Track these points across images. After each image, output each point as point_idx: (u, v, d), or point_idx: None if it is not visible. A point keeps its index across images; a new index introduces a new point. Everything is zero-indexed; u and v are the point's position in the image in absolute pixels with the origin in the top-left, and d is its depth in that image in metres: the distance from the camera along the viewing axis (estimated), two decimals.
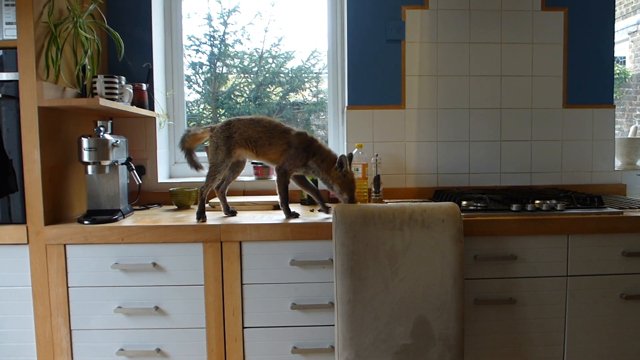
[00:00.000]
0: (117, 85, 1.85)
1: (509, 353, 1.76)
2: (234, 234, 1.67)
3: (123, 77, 1.96)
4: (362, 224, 1.58)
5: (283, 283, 1.70)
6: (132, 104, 2.04)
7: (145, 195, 2.22)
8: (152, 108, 2.23)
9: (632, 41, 6.48)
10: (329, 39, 2.43)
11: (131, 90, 2.02)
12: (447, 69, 2.29)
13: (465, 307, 1.71)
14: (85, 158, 1.73)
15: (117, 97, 1.86)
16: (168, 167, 2.42)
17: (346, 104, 2.31)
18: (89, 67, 1.90)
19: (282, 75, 2.82)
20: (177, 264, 1.68)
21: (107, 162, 1.76)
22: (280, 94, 2.85)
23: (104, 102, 1.71)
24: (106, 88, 1.82)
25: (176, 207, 2.11)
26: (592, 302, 1.76)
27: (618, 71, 5.63)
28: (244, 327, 1.70)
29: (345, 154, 1.78)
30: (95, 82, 1.83)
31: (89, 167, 1.75)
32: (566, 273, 1.75)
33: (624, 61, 6.53)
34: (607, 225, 1.73)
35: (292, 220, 1.72)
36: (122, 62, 2.15)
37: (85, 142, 1.72)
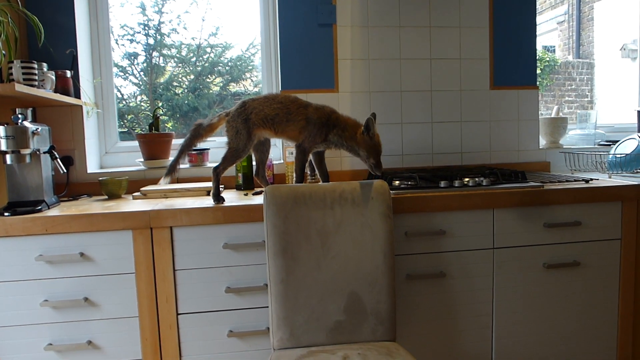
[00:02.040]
0: (36, 71, 1.77)
1: (440, 325, 1.83)
2: (165, 220, 1.64)
3: (44, 64, 1.88)
4: (293, 204, 1.59)
5: (217, 267, 1.69)
6: (55, 92, 1.96)
7: (74, 187, 2.15)
8: (78, 96, 2.14)
9: (560, 30, 6.79)
10: (262, 24, 2.42)
11: (53, 77, 1.94)
12: (379, 52, 2.33)
13: (396, 282, 1.76)
14: (3, 147, 1.65)
15: (36, 83, 1.78)
16: (99, 157, 2.34)
17: (280, 88, 2.31)
18: (3, 52, 1.80)
19: (221, 65, 2.78)
20: (106, 253, 1.63)
21: (27, 151, 1.69)
22: (221, 84, 2.82)
23: (20, 88, 1.63)
24: (24, 74, 1.74)
25: (107, 197, 2.04)
26: (517, 272, 1.85)
27: (548, 59, 5.90)
28: (178, 314, 1.68)
29: (371, 116, 1.72)
30: (11, 68, 1.74)
31: (7, 157, 1.67)
32: (492, 246, 1.82)
33: (554, 50, 6.84)
34: (529, 198, 1.81)
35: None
36: (44, 48, 2.06)
37: (1, 129, 1.64)
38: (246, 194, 1.99)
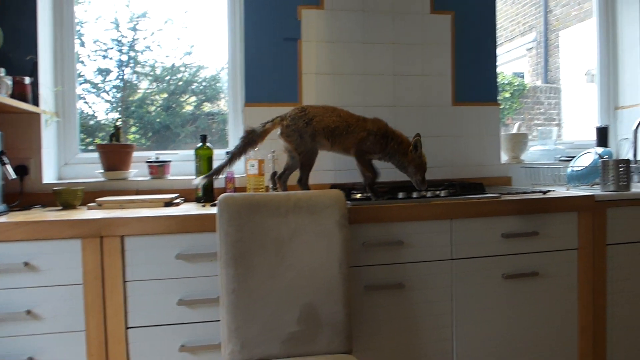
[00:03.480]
0: None
1: (400, 338, 1.80)
2: (116, 229, 1.59)
3: (2, 69, 1.84)
4: (247, 212, 1.56)
5: (169, 278, 1.64)
6: (12, 97, 1.91)
7: (28, 197, 2.08)
8: (36, 103, 2.10)
9: (529, 57, 6.98)
10: (229, 37, 2.42)
11: (10, 83, 1.89)
12: (343, 67, 2.35)
13: (355, 294, 1.73)
14: None
15: None
16: (57, 168, 2.28)
17: (244, 101, 2.30)
18: None
19: (195, 84, 2.77)
20: (52, 263, 1.57)
21: None
22: (195, 103, 2.80)
23: None
24: None
25: (61, 207, 1.99)
26: (476, 283, 1.84)
27: (517, 84, 6.03)
28: (127, 328, 1.62)
29: (419, 137, 1.83)
30: None
31: None
32: (451, 256, 1.81)
33: (523, 75, 7.02)
34: (487, 208, 1.82)
35: (173, 212, 1.67)
36: (2, 53, 2.02)
37: None
38: (204, 205, 1.96)
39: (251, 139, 1.81)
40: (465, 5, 2.47)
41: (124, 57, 2.61)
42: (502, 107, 5.50)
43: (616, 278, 1.99)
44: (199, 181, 1.82)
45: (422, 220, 1.78)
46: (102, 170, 2.20)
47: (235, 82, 2.43)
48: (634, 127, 2.66)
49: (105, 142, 2.31)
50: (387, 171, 2.36)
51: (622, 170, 2.03)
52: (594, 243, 1.94)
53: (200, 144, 2.10)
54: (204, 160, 2.10)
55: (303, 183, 1.81)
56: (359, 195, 1.89)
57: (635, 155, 2.65)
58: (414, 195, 1.84)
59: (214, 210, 1.76)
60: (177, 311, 1.65)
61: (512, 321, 1.88)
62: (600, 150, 2.25)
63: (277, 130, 1.84)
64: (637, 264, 2.01)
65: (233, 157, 1.80)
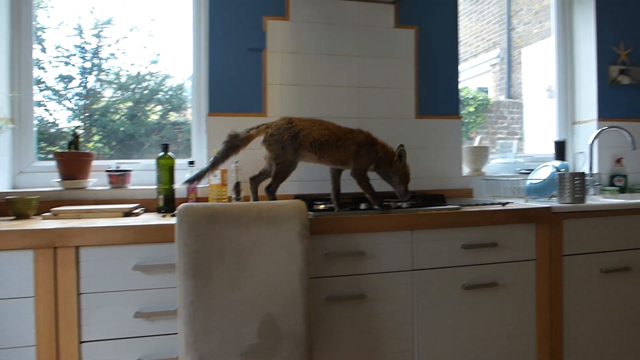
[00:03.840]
0: None
1: (361, 349, 1.79)
2: (71, 239, 1.54)
3: None
4: (207, 223, 1.53)
5: (126, 290, 1.60)
6: None
7: None
8: None
9: (493, 72, 7.17)
10: (193, 46, 2.40)
11: None
12: (308, 78, 2.36)
13: (316, 305, 1.72)
14: None
15: None
16: (11, 176, 2.21)
17: (207, 111, 2.28)
18: None
19: (161, 93, 2.73)
20: (2, 275, 1.50)
21: None
22: (160, 112, 2.76)
23: None
24: None
25: (14, 217, 1.92)
26: (436, 294, 1.85)
27: (481, 98, 6.18)
28: (81, 342, 1.56)
29: (403, 147, 1.83)
30: None
31: None
32: (412, 267, 1.83)
33: (487, 90, 7.19)
34: (447, 220, 1.84)
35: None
36: None
37: None
38: (164, 216, 1.92)
39: (234, 144, 1.77)
40: (429, 21, 2.52)
41: (88, 64, 2.56)
42: (466, 121, 5.63)
43: (572, 288, 2.04)
44: (179, 186, 1.80)
45: (384, 231, 1.79)
46: (60, 179, 2.14)
47: (199, 91, 2.41)
48: (590, 141, 2.75)
49: (63, 150, 2.25)
50: (350, 183, 2.38)
51: (577, 182, 2.09)
52: (551, 254, 1.99)
53: (161, 153, 2.07)
54: (165, 170, 2.06)
55: (271, 192, 1.78)
56: (322, 206, 1.89)
57: (590, 168, 2.74)
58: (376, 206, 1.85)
59: (174, 220, 1.73)
60: (133, 324, 1.60)
61: (471, 331, 1.90)
62: (557, 163, 2.31)
63: (260, 138, 1.81)
64: (591, 274, 2.07)
65: (216, 162, 1.76)
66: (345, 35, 2.40)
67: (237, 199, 2.09)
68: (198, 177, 1.76)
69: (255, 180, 1.88)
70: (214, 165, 1.77)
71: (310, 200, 1.93)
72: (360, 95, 2.42)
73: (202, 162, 2.35)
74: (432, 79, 2.52)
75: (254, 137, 1.80)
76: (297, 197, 2.15)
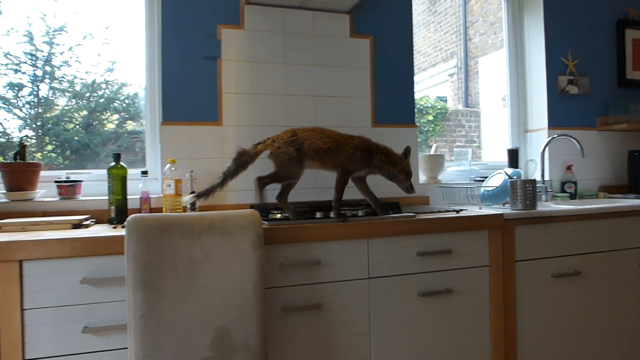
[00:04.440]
0: None
1: (318, 359, 1.78)
2: (13, 253, 1.48)
3: None
4: (158, 234, 1.50)
5: (73, 305, 1.54)
6: None
7: None
8: None
9: (451, 82, 7.33)
10: (146, 53, 2.36)
11: None
12: (264, 87, 2.35)
13: (272, 316, 1.70)
14: None
15: None
16: None
17: (161, 119, 2.24)
18: None
19: (117, 102, 2.66)
20: None
21: None
22: (117, 121, 2.68)
23: None
24: None
25: None
26: (393, 302, 1.86)
27: (440, 107, 6.30)
28: None
29: (409, 147, 1.98)
30: None
31: None
32: (368, 275, 1.83)
33: (446, 99, 7.35)
34: (402, 227, 1.86)
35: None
36: None
37: None
38: (115, 227, 1.87)
39: (244, 161, 1.81)
40: (384, 30, 2.56)
41: (39, 72, 2.48)
42: (425, 129, 5.72)
43: (525, 293, 2.08)
44: (188, 199, 1.81)
45: (340, 239, 1.79)
46: (5, 191, 2.05)
47: (153, 99, 2.36)
48: (541, 149, 2.84)
49: (8, 160, 2.16)
50: (306, 191, 2.38)
51: (528, 189, 2.15)
52: (504, 260, 2.03)
53: (113, 163, 2.01)
54: (117, 180, 2.01)
55: (263, 182, 1.83)
56: (278, 215, 1.88)
57: (542, 175, 2.83)
58: (332, 214, 1.85)
59: (124, 231, 1.68)
60: (82, 340, 1.54)
61: (427, 338, 1.92)
62: (509, 171, 2.37)
63: (267, 152, 1.85)
64: (543, 279, 2.12)
65: (225, 178, 1.79)
66: (301, 44, 2.41)
67: (192, 210, 2.05)
68: (208, 192, 1.78)
69: (262, 181, 1.86)
70: (223, 181, 1.79)
71: (266, 209, 1.92)
72: (317, 104, 2.42)
73: (156, 172, 2.30)
74: (388, 88, 2.55)
75: (261, 152, 1.84)
76: (253, 206, 2.14)
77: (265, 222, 1.75)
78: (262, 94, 2.34)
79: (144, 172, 2.08)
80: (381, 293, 1.85)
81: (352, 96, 2.48)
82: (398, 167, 1.94)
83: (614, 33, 3.16)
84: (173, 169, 2.05)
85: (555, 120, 2.96)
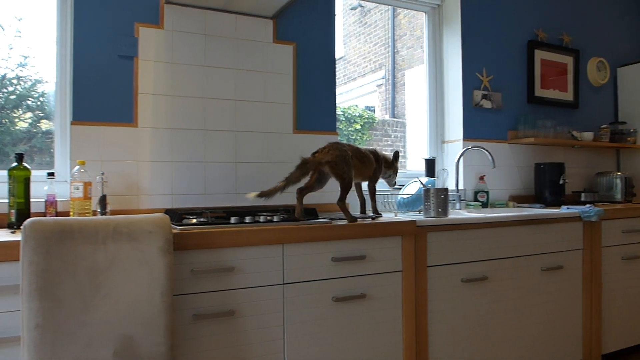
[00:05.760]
0: None
1: None
2: None
3: None
4: (58, 239, 1.42)
5: None
6: None
7: None
8: None
9: (379, 92, 7.52)
10: (58, 48, 2.23)
11: None
12: (183, 90, 2.29)
13: (182, 324, 1.66)
14: None
15: None
16: None
17: (71, 119, 2.13)
18: None
19: (31, 99, 2.49)
20: None
21: None
22: (30, 120, 2.51)
23: None
24: None
25: None
26: (307, 307, 1.87)
27: (367, 117, 6.45)
28: None
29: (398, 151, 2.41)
30: None
31: None
32: (282, 281, 1.83)
33: (374, 109, 7.52)
34: (318, 233, 1.87)
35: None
36: None
37: None
38: (14, 232, 1.75)
39: (307, 170, 2.01)
40: (307, 38, 2.58)
41: None
42: (353, 137, 5.82)
43: (436, 297, 2.16)
44: (254, 198, 1.93)
45: (254, 245, 1.77)
46: None
47: (64, 97, 2.24)
48: (456, 159, 2.97)
49: None
50: (228, 196, 2.35)
51: (441, 197, 2.24)
52: (416, 265, 2.10)
53: (14, 164, 1.89)
54: (19, 182, 1.88)
55: (341, 201, 2.06)
56: (194, 220, 1.84)
57: (457, 184, 2.95)
58: (247, 220, 1.84)
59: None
60: None
61: (341, 343, 1.94)
62: (425, 179, 2.46)
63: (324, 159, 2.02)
64: (453, 284, 2.21)
65: (288, 182, 1.97)
66: (223, 47, 2.38)
67: (103, 214, 1.96)
68: (269, 193, 1.95)
69: (302, 192, 2.04)
70: (286, 185, 1.97)
71: (180, 214, 1.87)
72: (238, 108, 2.40)
73: (64, 174, 2.18)
74: (310, 95, 2.57)
75: (320, 160, 2.02)
76: (167, 211, 2.08)
77: (176, 227, 1.70)
78: (181, 96, 2.29)
79: (50, 174, 1.97)
80: (296, 299, 1.85)
81: (274, 102, 2.48)
82: (392, 168, 2.36)
83: (525, 52, 3.37)
84: (82, 171, 1.96)
85: (470, 132, 3.10)
